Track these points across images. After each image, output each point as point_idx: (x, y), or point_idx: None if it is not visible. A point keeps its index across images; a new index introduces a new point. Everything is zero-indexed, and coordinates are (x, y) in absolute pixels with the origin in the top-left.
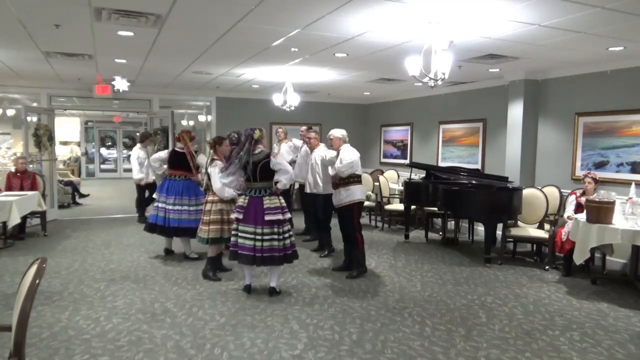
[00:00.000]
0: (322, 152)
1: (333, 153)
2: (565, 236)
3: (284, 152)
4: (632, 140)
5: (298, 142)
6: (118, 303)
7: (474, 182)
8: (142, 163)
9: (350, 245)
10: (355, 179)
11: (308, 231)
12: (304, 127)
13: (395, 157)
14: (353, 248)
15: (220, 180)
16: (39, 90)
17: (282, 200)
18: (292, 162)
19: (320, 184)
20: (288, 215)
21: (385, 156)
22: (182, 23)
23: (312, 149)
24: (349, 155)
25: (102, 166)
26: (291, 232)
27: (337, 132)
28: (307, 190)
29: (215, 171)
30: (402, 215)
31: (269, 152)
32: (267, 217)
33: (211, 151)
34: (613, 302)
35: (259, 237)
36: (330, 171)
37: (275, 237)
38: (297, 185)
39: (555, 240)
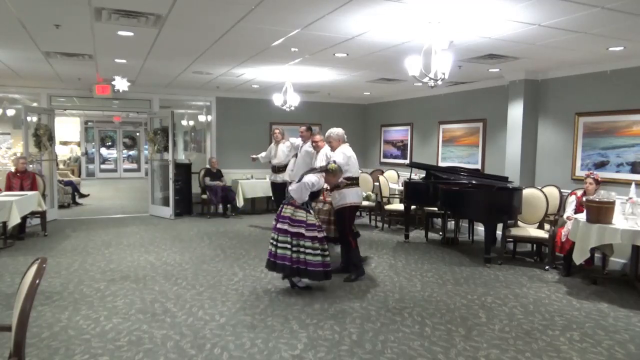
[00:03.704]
0: (327, 151)
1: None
2: (565, 236)
3: (281, 154)
4: (632, 140)
5: (296, 141)
6: (118, 303)
7: (474, 182)
8: None
9: (344, 247)
10: (349, 182)
11: None
12: (303, 127)
13: (395, 157)
14: (347, 250)
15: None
16: (39, 90)
17: (301, 214)
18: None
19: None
20: (297, 230)
21: (385, 156)
22: (182, 23)
23: (318, 151)
24: (304, 180)
25: (102, 166)
26: (306, 249)
27: (334, 134)
28: None
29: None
30: (402, 215)
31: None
32: (278, 225)
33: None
34: (613, 302)
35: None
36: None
37: (274, 243)
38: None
39: (555, 240)
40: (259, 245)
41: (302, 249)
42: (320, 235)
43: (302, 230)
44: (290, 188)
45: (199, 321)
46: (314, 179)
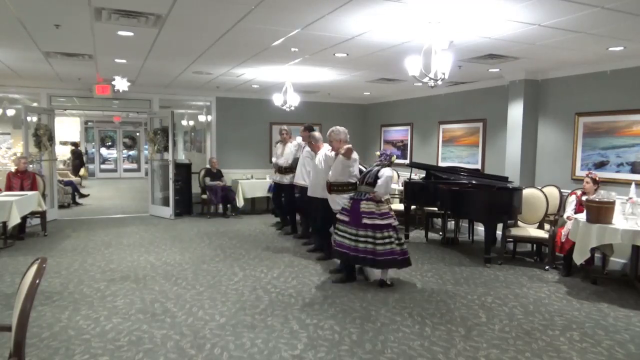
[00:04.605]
0: (326, 150)
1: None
2: (565, 236)
3: (288, 153)
4: (632, 140)
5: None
6: (118, 303)
7: (474, 182)
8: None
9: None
10: (352, 187)
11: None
12: (302, 128)
13: (396, 157)
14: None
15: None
16: (39, 90)
17: (381, 206)
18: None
19: (321, 187)
20: (390, 222)
21: None
22: (182, 23)
23: (316, 152)
24: (386, 174)
25: (102, 166)
26: (390, 240)
27: (334, 134)
28: (309, 193)
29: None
30: (402, 215)
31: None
32: (364, 221)
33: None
34: (613, 302)
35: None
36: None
37: (370, 240)
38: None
39: (555, 240)
40: (259, 245)
41: (384, 240)
42: (395, 223)
43: (391, 221)
44: (378, 184)
45: (199, 321)
46: (392, 172)
